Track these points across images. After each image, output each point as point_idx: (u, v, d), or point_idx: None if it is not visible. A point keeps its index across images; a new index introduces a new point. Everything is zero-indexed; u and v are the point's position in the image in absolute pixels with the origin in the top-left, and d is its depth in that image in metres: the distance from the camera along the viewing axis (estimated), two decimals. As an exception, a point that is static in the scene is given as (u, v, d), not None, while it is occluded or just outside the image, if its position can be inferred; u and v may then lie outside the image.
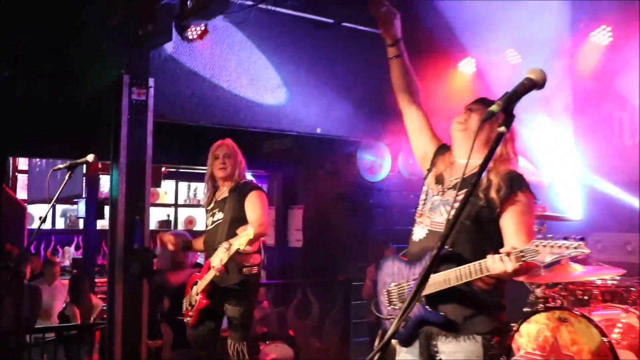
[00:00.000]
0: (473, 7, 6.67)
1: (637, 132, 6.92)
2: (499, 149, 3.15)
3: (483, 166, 2.27)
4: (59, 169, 4.51)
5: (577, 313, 4.90)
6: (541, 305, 5.38)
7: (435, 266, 2.94)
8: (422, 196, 3.45)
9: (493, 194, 3.14)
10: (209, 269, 5.04)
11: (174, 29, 6.35)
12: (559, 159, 7.03)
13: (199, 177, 12.77)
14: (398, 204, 8.80)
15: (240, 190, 5.22)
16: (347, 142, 8.62)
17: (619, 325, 5.01)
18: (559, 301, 5.41)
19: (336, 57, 7.73)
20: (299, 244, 9.33)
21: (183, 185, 13.69)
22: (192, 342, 5.60)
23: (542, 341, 5.01)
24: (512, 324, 5.23)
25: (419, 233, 3.34)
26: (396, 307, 3.31)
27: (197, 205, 13.55)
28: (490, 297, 3.16)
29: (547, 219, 5.59)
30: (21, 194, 11.52)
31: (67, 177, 4.45)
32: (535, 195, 3.23)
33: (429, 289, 3.06)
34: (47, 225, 13.08)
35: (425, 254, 3.19)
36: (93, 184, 10.57)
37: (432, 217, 3.29)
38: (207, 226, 5.42)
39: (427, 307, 3.13)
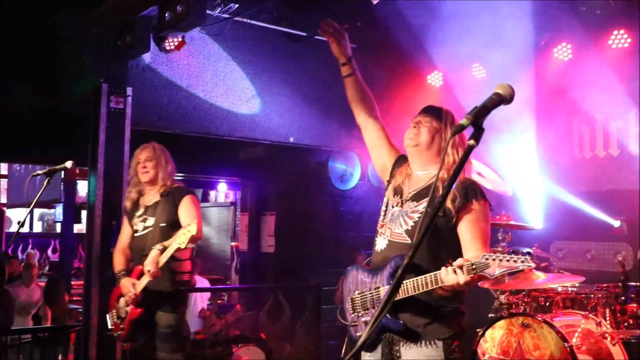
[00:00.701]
0: (441, 23, 6.70)
1: (595, 146, 6.99)
2: (449, 158, 3.23)
3: (452, 180, 2.25)
4: (38, 174, 4.46)
5: (540, 319, 4.91)
6: (505, 311, 5.40)
7: (400, 279, 2.93)
8: (383, 207, 3.46)
9: (449, 203, 3.15)
10: (139, 276, 4.71)
11: (152, 40, 6.32)
12: (522, 171, 7.07)
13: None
14: (368, 211, 8.79)
15: (174, 195, 4.88)
16: (319, 151, 8.62)
17: (579, 330, 5.03)
18: (522, 307, 5.43)
19: (309, 68, 7.73)
20: (271, 249, 9.29)
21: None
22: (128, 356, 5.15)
23: (506, 346, 5.02)
24: (477, 329, 5.26)
25: (380, 244, 3.35)
26: (359, 314, 3.32)
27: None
28: (449, 303, 3.16)
29: (511, 227, 5.63)
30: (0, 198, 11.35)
31: (45, 183, 4.38)
32: (489, 202, 3.26)
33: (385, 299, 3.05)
34: (25, 229, 12.94)
35: (386, 264, 3.21)
36: (70, 189, 10.46)
37: (392, 228, 3.30)
38: (134, 232, 4.98)
39: (387, 315, 3.12)
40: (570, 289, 5.38)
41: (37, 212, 14.04)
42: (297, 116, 7.87)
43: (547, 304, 5.39)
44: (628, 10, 6.32)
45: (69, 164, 4.39)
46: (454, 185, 2.99)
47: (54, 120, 6.43)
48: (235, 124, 7.54)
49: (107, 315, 5.03)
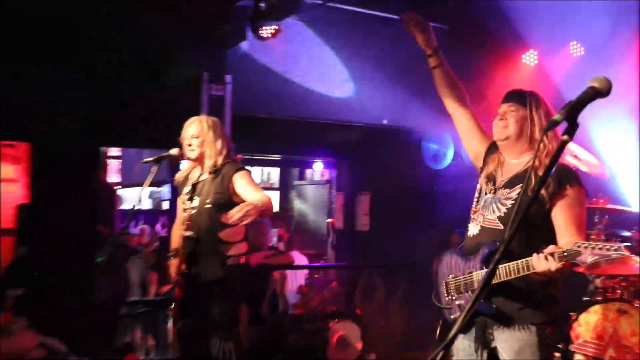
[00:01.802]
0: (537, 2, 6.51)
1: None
2: (543, 145, 3.13)
3: (546, 172, 2.16)
4: (148, 161, 4.62)
5: (637, 305, 4.76)
6: (601, 295, 5.23)
7: (495, 265, 2.90)
8: (476, 194, 3.42)
9: (542, 190, 3.07)
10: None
11: (248, 29, 6.40)
12: (621, 152, 6.77)
13: (270, 163, 12.93)
14: (461, 190, 8.55)
15: (222, 174, 4.39)
16: (412, 132, 8.52)
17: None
18: (619, 292, 5.23)
19: (401, 51, 7.59)
20: (365, 228, 9.34)
21: (257, 169, 13.77)
22: (180, 343, 4.74)
23: (601, 331, 4.87)
24: (572, 313, 5.11)
25: (473, 229, 3.32)
26: (453, 298, 3.33)
27: (269, 188, 13.66)
28: (543, 289, 3.11)
29: (608, 211, 5.42)
30: (113, 178, 11.76)
31: (154, 169, 4.54)
32: (585, 187, 3.16)
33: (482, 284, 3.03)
34: (138, 207, 13.41)
35: (479, 249, 3.20)
36: (175, 170, 10.72)
37: (485, 215, 3.27)
38: (182, 210, 4.50)
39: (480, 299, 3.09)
40: (671, 273, 5.12)
41: (147, 190, 14.52)
42: (390, 99, 7.83)
43: (646, 289, 5.15)
44: None
45: (174, 151, 4.57)
46: (549, 174, 2.91)
47: (159, 108, 6.57)
48: (329, 108, 7.62)
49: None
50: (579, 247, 2.73)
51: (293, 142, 9.07)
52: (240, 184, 4.33)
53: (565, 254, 2.76)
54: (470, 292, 3.22)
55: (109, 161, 11.59)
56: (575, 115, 2.13)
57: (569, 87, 6.73)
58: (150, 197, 14.98)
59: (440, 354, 1.88)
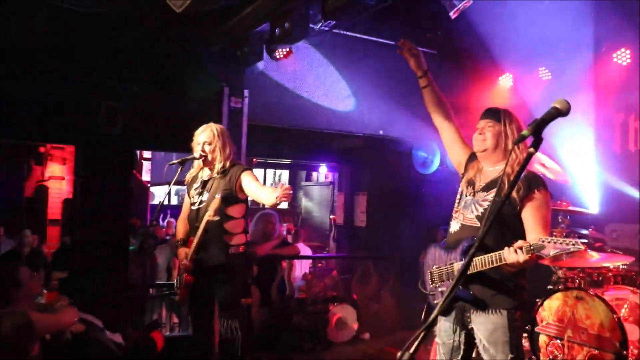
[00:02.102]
0: (512, 31, 6.56)
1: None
2: (514, 156, 3.21)
3: (516, 177, 2.26)
4: (174, 163, 4.62)
5: (592, 293, 4.82)
6: (562, 285, 5.29)
7: (471, 257, 2.97)
8: (458, 196, 3.48)
9: (514, 193, 3.16)
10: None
11: (264, 50, 6.45)
12: (581, 161, 6.85)
13: (281, 166, 12.96)
14: (446, 193, 8.54)
15: (230, 173, 4.39)
16: (404, 142, 8.59)
17: (627, 303, 4.89)
18: (577, 282, 5.30)
19: (395, 71, 7.65)
20: (363, 224, 9.36)
21: (269, 172, 13.83)
22: (190, 324, 4.77)
23: (561, 315, 4.93)
24: (537, 299, 5.18)
25: (454, 226, 3.38)
26: (437, 285, 3.37)
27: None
28: (514, 279, 3.18)
29: (570, 212, 5.47)
30: (145, 176, 11.84)
31: (179, 170, 4.60)
32: (550, 192, 3.23)
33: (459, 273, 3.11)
34: (165, 202, 13.46)
35: (459, 244, 3.26)
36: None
37: (465, 214, 3.33)
38: (191, 205, 4.49)
39: (460, 286, 3.19)
40: (621, 267, 5.18)
41: (173, 188, 14.59)
42: (385, 112, 7.88)
43: (600, 279, 5.21)
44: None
45: (197, 154, 4.54)
46: (519, 179, 2.99)
47: (185, 117, 6.63)
48: (333, 119, 7.65)
49: (175, 280, 4.71)
50: (543, 242, 2.82)
51: (301, 149, 9.11)
52: (248, 180, 4.32)
53: (532, 247, 2.84)
54: (451, 280, 3.27)
55: (143, 162, 11.63)
56: (540, 131, 2.23)
57: (538, 106, 6.80)
58: (176, 194, 15.03)
59: (423, 333, 1.98)
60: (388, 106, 7.84)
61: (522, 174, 3.17)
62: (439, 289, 3.36)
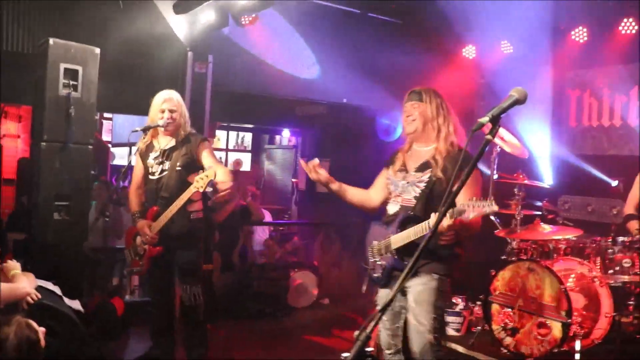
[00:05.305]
0: (473, 4, 6.65)
1: (602, 116, 6.91)
2: (442, 133, 3.50)
3: (468, 170, 2.34)
4: (137, 130, 4.60)
5: (542, 265, 5.03)
6: (515, 256, 5.50)
7: (402, 227, 3.41)
8: (391, 186, 3.67)
9: (441, 173, 3.40)
10: (154, 216, 4.38)
11: (230, 17, 6.39)
12: (537, 136, 7.05)
13: (245, 129, 12.92)
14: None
15: (190, 140, 4.43)
16: (368, 110, 8.64)
17: (574, 274, 5.12)
18: (530, 253, 5.51)
19: (361, 40, 7.74)
20: (325, 190, 9.38)
21: (232, 134, 13.75)
22: (148, 291, 4.74)
23: (513, 285, 5.14)
24: (492, 270, 5.38)
25: (393, 208, 3.61)
26: (376, 260, 3.57)
27: (244, 150, 13.65)
28: (446, 249, 3.42)
29: (525, 185, 5.64)
30: (106, 136, 11.65)
31: (142, 137, 4.60)
32: (480, 170, 3.48)
33: (397, 244, 3.41)
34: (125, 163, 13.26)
35: (395, 218, 3.49)
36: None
37: (403, 196, 3.55)
38: (149, 174, 4.49)
39: (396, 257, 3.43)
40: (570, 239, 5.40)
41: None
42: (349, 81, 7.85)
43: (550, 251, 5.43)
44: (638, 2, 6.17)
45: (161, 122, 4.41)
46: (434, 156, 3.45)
47: (150, 81, 6.57)
48: (297, 86, 7.67)
49: (125, 252, 4.67)
50: (463, 206, 2.99)
51: (265, 115, 9.09)
52: (205, 153, 4.41)
53: (453, 212, 3.00)
54: (389, 253, 3.48)
55: (103, 122, 11.45)
56: (498, 119, 2.32)
57: (498, 80, 6.94)
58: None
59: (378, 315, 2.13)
60: (352, 75, 7.82)
61: (453, 149, 3.46)
62: (378, 262, 3.56)
